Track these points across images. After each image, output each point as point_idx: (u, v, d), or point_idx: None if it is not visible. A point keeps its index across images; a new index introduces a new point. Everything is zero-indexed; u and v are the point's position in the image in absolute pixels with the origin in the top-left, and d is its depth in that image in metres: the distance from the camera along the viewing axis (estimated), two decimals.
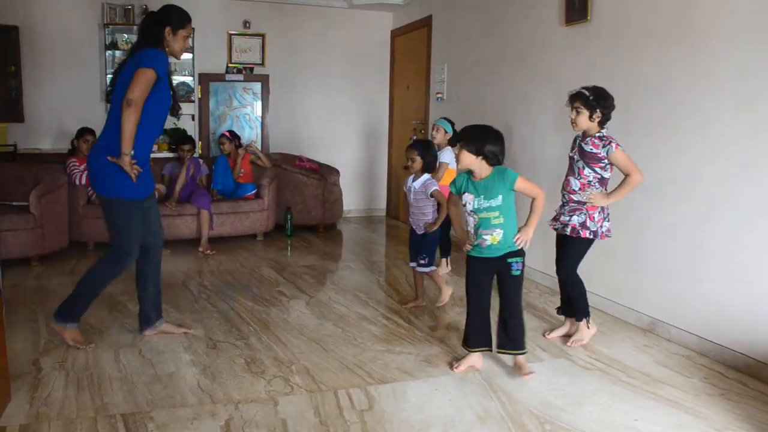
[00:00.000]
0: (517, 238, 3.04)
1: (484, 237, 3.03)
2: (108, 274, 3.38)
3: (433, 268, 4.15)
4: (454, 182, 3.15)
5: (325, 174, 6.97)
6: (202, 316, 3.98)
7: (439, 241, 5.20)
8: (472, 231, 3.08)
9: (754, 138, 3.19)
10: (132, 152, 3.12)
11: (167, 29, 3.23)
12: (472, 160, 2.98)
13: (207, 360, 3.28)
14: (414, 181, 4.05)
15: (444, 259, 5.32)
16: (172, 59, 3.34)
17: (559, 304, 3.79)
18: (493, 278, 3.18)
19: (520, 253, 3.08)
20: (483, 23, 5.79)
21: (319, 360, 3.31)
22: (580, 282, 3.54)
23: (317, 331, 3.75)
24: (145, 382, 2.99)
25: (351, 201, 7.91)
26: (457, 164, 3.12)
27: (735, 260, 3.33)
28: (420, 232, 4.09)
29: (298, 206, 6.75)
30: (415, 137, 7.05)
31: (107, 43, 6.69)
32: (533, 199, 3.04)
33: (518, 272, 3.08)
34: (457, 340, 3.61)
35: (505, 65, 5.42)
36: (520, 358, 3.16)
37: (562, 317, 3.81)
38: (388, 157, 8.15)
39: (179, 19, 3.27)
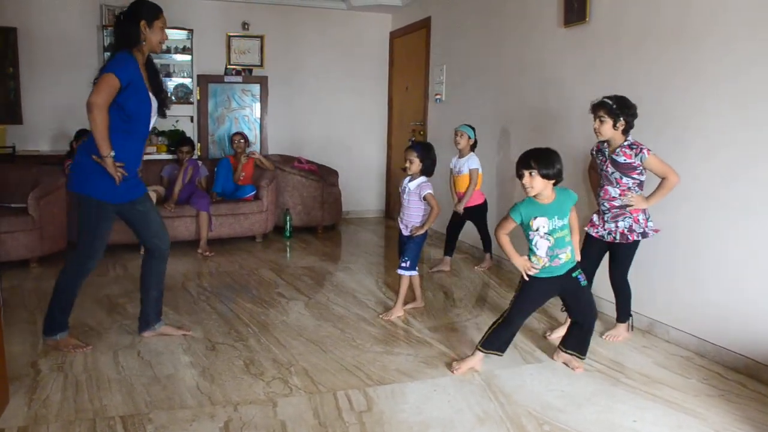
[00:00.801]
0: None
1: (560, 256, 3.06)
2: (73, 280, 3.37)
3: (413, 273, 4.08)
4: (517, 212, 3.03)
5: (324, 175, 6.97)
6: (200, 318, 3.98)
7: (451, 234, 5.31)
8: (545, 253, 3.05)
9: (754, 138, 3.19)
10: (113, 154, 3.11)
11: (143, 23, 3.19)
12: (546, 185, 2.97)
13: (206, 361, 3.28)
14: (410, 182, 4.05)
15: (448, 258, 5.37)
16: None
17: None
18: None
19: (578, 265, 3.17)
20: (482, 25, 5.79)
21: (318, 361, 3.31)
22: (629, 286, 3.65)
23: (316, 333, 3.74)
24: (143, 384, 2.98)
25: (350, 202, 7.90)
26: (529, 191, 2.98)
27: (734, 261, 3.33)
28: (406, 233, 4.08)
29: (297, 207, 6.75)
30: (413, 139, 7.05)
31: (105, 44, 6.67)
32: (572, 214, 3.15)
33: (585, 282, 3.19)
34: (456, 341, 3.61)
35: (504, 66, 5.43)
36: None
37: (563, 318, 3.81)
38: (386, 158, 8.15)
39: (151, 11, 3.24)
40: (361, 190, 8.14)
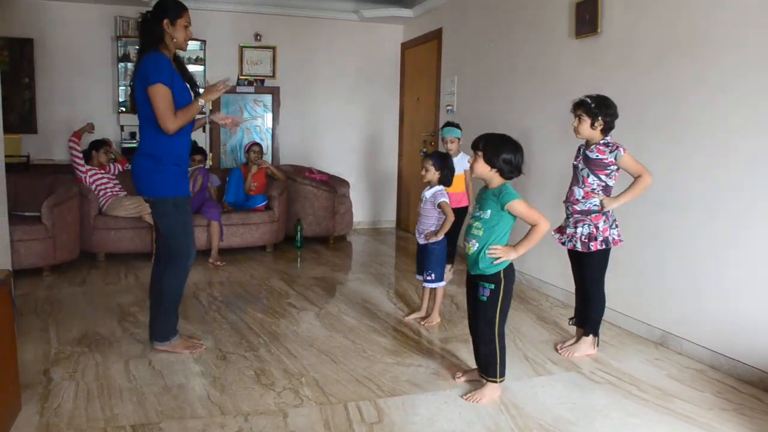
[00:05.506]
0: (493, 249, 2.86)
1: (467, 243, 2.96)
2: (179, 282, 3.46)
3: (441, 284, 4.10)
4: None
5: (335, 186, 6.98)
6: (212, 328, 3.99)
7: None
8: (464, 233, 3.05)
9: None
10: (201, 101, 3.31)
11: (165, 22, 3.25)
12: (485, 168, 2.90)
13: (217, 371, 3.28)
14: (427, 190, 4.06)
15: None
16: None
17: (571, 315, 3.76)
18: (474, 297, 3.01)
19: (492, 280, 2.89)
20: (493, 36, 5.80)
21: (329, 372, 3.30)
22: (603, 299, 3.56)
23: (327, 343, 3.74)
24: (154, 393, 2.99)
25: (361, 213, 7.92)
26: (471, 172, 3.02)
27: (747, 274, 3.30)
28: (422, 242, 4.08)
29: (308, 218, 6.76)
30: (424, 150, 7.06)
31: (120, 55, 6.77)
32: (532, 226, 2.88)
33: (483, 298, 2.91)
34: (467, 353, 3.59)
35: (516, 78, 5.43)
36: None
37: (573, 330, 3.78)
38: (398, 169, 8.16)
39: (175, 9, 3.29)
40: (373, 200, 8.16)
